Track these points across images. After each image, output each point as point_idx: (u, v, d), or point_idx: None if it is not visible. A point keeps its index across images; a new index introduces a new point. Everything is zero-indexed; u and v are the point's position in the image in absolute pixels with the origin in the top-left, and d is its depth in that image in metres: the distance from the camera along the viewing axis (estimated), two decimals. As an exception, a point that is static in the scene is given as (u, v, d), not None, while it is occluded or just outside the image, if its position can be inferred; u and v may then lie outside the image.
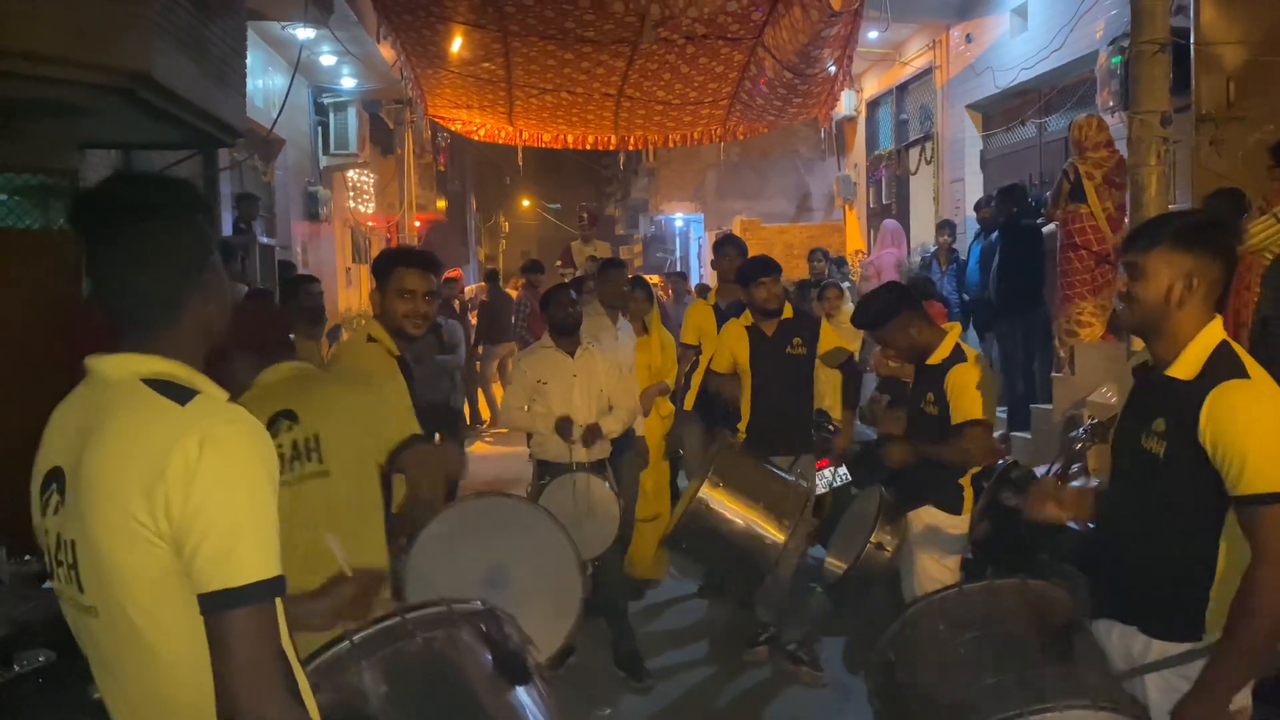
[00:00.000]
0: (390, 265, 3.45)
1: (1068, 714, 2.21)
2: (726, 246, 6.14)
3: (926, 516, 3.83)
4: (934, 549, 3.79)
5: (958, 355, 3.78)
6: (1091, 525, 2.76)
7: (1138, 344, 4.52)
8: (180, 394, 1.52)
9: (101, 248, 1.57)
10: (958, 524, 3.81)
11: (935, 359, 3.82)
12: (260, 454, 1.51)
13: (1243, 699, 2.26)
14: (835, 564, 4.63)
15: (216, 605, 1.43)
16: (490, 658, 1.99)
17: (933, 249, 10.13)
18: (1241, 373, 2.21)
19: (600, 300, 5.86)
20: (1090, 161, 6.36)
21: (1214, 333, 2.30)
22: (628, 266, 7.65)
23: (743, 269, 5.23)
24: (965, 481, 3.84)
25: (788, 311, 5.05)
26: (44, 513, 1.58)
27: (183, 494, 1.43)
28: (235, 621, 1.43)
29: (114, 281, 1.57)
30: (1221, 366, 2.24)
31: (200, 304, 1.61)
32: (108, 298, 1.59)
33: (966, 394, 3.69)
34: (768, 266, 5.05)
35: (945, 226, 9.74)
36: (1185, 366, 2.28)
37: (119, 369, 1.57)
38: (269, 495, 1.50)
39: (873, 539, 4.28)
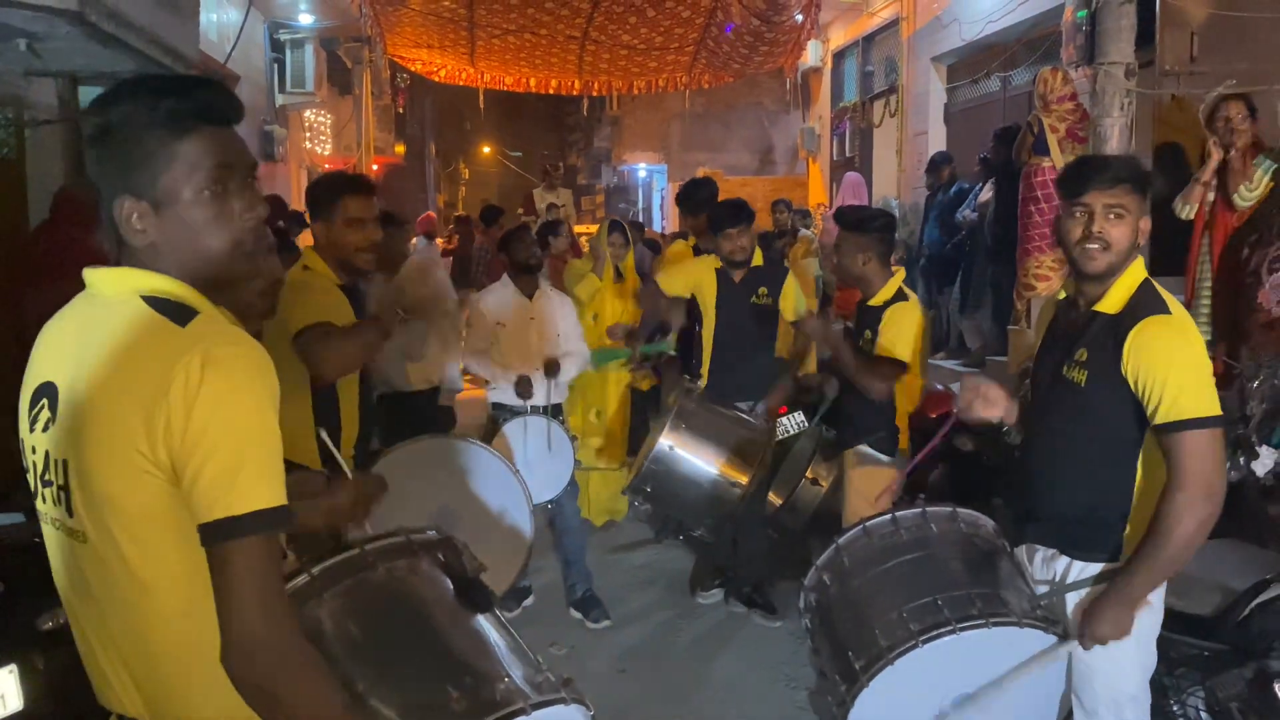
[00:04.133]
0: (334, 193, 3.22)
1: (994, 630, 2.35)
2: (701, 190, 5.81)
3: (860, 455, 3.98)
4: (863, 486, 3.92)
5: (900, 297, 3.90)
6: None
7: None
8: (180, 313, 1.43)
9: (90, 154, 1.48)
10: (889, 464, 3.92)
11: (877, 300, 3.93)
12: (264, 377, 1.43)
13: (1155, 604, 2.45)
14: (774, 499, 4.74)
15: (219, 535, 1.36)
16: (451, 586, 1.99)
17: (894, 202, 10.12)
18: (1163, 309, 2.35)
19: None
20: (1054, 115, 6.38)
21: (1138, 271, 2.43)
22: (589, 216, 7.54)
23: (714, 214, 5.01)
24: (903, 424, 3.93)
25: (757, 259, 4.93)
26: (31, 428, 1.51)
27: (183, 418, 1.35)
28: (239, 552, 1.36)
29: (101, 192, 1.48)
30: (1145, 302, 2.37)
31: (175, 226, 1.47)
32: (101, 210, 1.50)
33: (900, 333, 3.80)
34: (737, 215, 4.83)
35: (944, 159, 9.13)
36: (1112, 302, 2.41)
37: (117, 284, 1.48)
38: (273, 420, 1.42)
39: (808, 474, 4.40)
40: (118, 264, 1.51)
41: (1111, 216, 2.37)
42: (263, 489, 1.38)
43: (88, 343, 1.45)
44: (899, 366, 3.80)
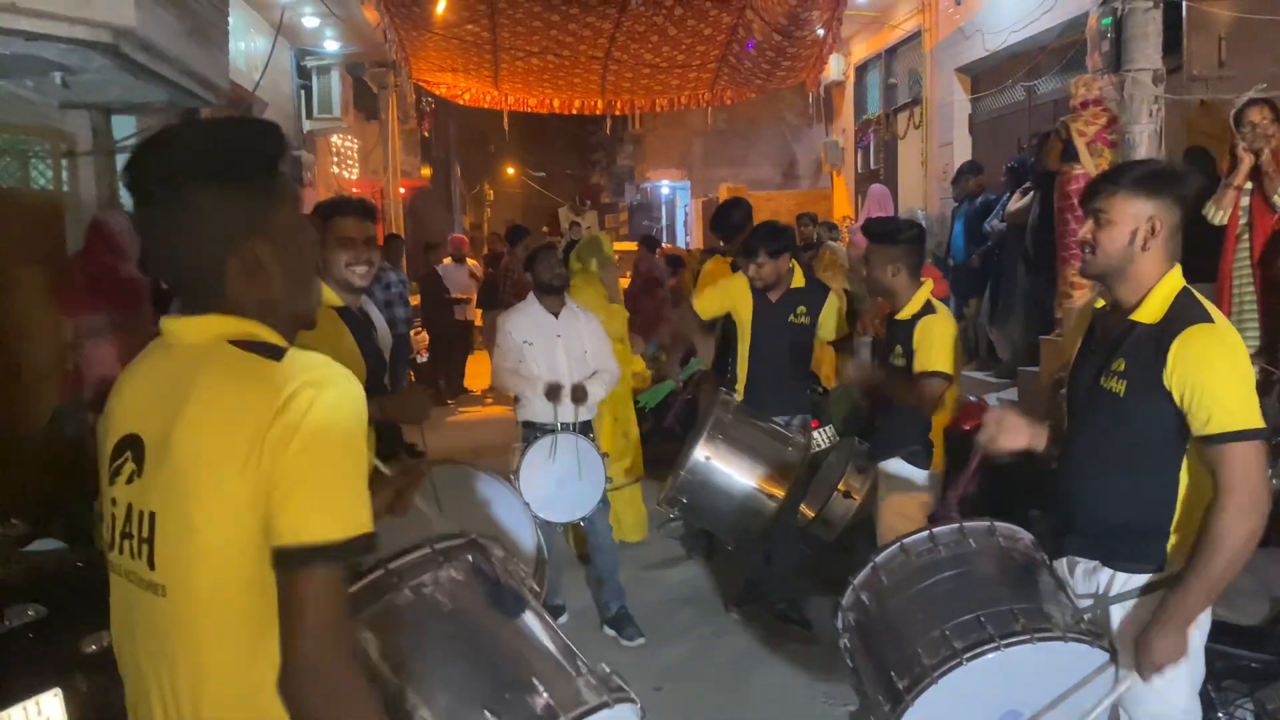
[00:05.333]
0: (326, 215, 3.35)
1: (1040, 645, 2.30)
2: (734, 213, 5.65)
3: (894, 468, 3.95)
4: (898, 501, 3.90)
5: (928, 309, 3.88)
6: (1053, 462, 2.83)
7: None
8: (272, 351, 1.44)
9: (140, 210, 1.46)
10: (923, 477, 3.90)
11: (905, 313, 3.91)
12: (361, 409, 1.43)
13: (1201, 617, 2.40)
14: (806, 512, 4.71)
15: (299, 560, 1.35)
16: (484, 592, 1.96)
17: (920, 213, 10.07)
18: (1206, 317, 2.33)
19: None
20: (1081, 119, 6.35)
21: (1175, 279, 2.41)
22: (614, 234, 7.57)
23: (749, 237, 4.92)
24: (936, 438, 3.91)
25: (798, 279, 4.89)
26: (113, 480, 1.50)
27: (288, 445, 1.35)
28: (315, 578, 1.35)
29: (152, 247, 1.48)
30: (1185, 311, 2.35)
31: (242, 275, 1.47)
32: (151, 262, 1.51)
33: (933, 345, 3.79)
34: (769, 240, 4.76)
35: (971, 169, 8.96)
36: (1149, 311, 2.39)
37: (200, 331, 1.47)
38: (364, 450, 1.43)
39: (840, 486, 4.38)
40: (184, 312, 1.50)
41: (1098, 222, 2.42)
42: (354, 517, 1.39)
43: (176, 393, 1.43)
44: (943, 379, 3.77)
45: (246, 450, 1.36)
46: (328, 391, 1.39)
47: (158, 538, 1.43)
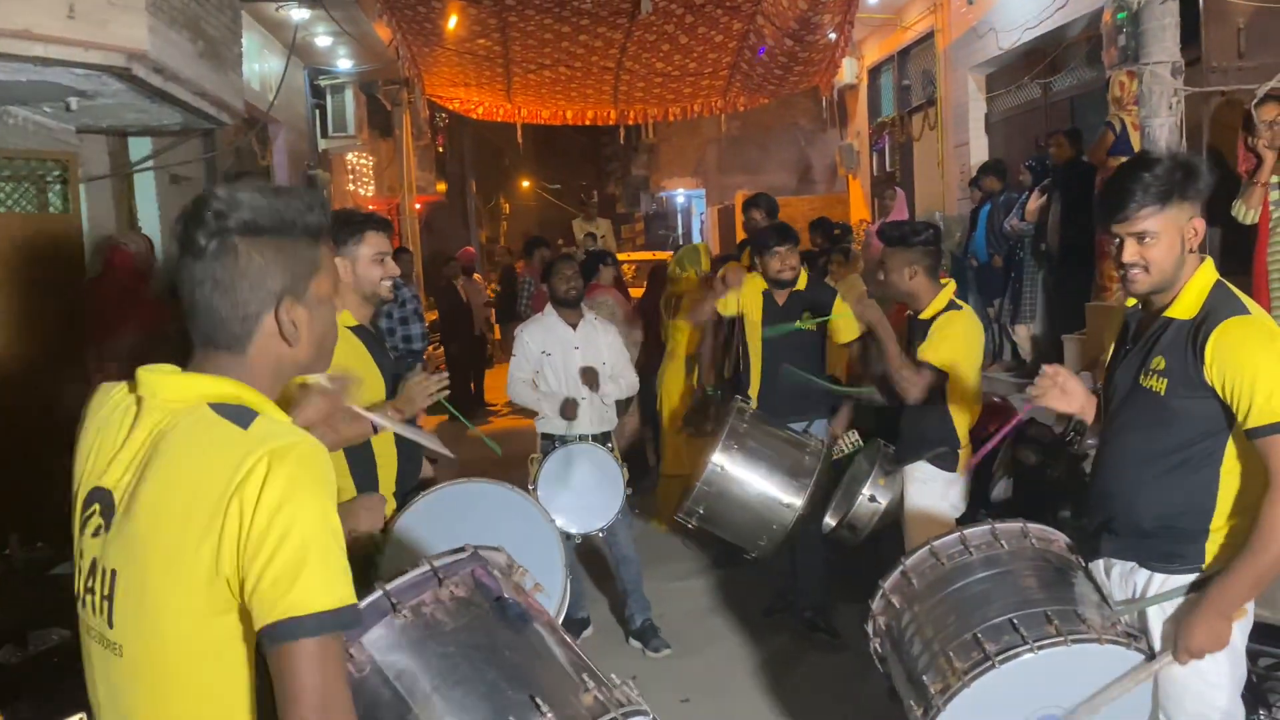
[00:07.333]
0: (357, 229, 3.24)
1: (1074, 647, 2.26)
2: (752, 210, 5.83)
3: (920, 472, 3.93)
4: (925, 504, 3.87)
5: (952, 308, 3.89)
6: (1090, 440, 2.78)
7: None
8: (242, 416, 1.42)
9: (182, 261, 1.47)
10: (950, 480, 3.87)
11: (928, 313, 3.91)
12: (325, 474, 1.42)
13: (1246, 617, 2.37)
14: (830, 519, 4.68)
15: (282, 636, 1.33)
16: (486, 607, 1.93)
17: (938, 215, 10.00)
18: (1242, 309, 2.28)
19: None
20: (1134, 114, 6.29)
21: (1208, 273, 2.36)
22: (629, 244, 7.61)
23: (758, 235, 5.02)
24: (964, 440, 3.87)
25: (802, 283, 4.92)
26: (81, 531, 1.49)
27: (250, 519, 1.33)
28: (302, 654, 1.32)
29: (192, 296, 1.48)
30: (1221, 304, 2.30)
31: (273, 333, 1.49)
32: (185, 310, 1.49)
33: (944, 340, 3.79)
34: (783, 234, 4.86)
35: (995, 168, 8.72)
36: (1184, 307, 2.34)
37: (183, 391, 1.46)
38: (335, 517, 1.40)
39: (865, 491, 4.35)
40: (186, 365, 1.49)
41: (1140, 242, 2.32)
42: (326, 589, 1.36)
43: (147, 452, 1.43)
44: (936, 372, 3.78)
45: (207, 521, 1.35)
46: (286, 461, 1.37)
47: (117, 596, 1.42)
